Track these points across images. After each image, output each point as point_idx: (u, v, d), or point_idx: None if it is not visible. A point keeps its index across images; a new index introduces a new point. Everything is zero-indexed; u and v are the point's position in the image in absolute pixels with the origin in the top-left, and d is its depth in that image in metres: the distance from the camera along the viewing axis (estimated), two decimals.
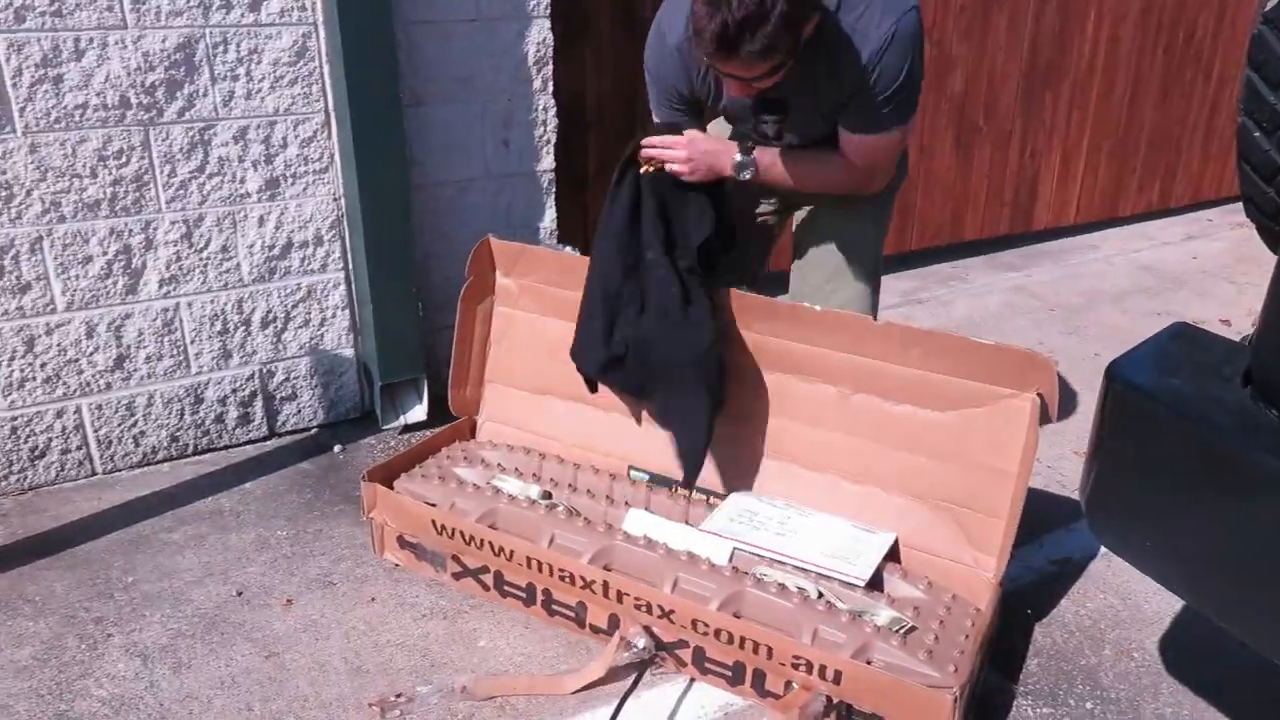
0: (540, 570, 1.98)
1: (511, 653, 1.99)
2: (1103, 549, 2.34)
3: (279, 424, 2.80)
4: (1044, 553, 2.34)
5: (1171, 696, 1.92)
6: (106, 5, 2.27)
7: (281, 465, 2.67)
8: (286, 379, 2.76)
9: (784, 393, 2.17)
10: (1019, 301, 4.05)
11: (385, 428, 2.83)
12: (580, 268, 2.23)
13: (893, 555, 2.06)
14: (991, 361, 1.95)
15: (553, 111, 2.90)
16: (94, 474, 2.58)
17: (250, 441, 2.77)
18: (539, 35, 2.80)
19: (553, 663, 1.97)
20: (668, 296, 2.06)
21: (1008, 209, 4.59)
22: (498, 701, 1.85)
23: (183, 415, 2.64)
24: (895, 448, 2.06)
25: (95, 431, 2.54)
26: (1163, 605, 2.16)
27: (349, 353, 2.83)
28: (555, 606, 2.03)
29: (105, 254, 2.43)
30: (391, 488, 2.21)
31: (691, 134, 2.04)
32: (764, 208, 2.36)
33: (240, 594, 2.15)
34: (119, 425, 2.57)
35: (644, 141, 2.05)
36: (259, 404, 2.74)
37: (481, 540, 2.03)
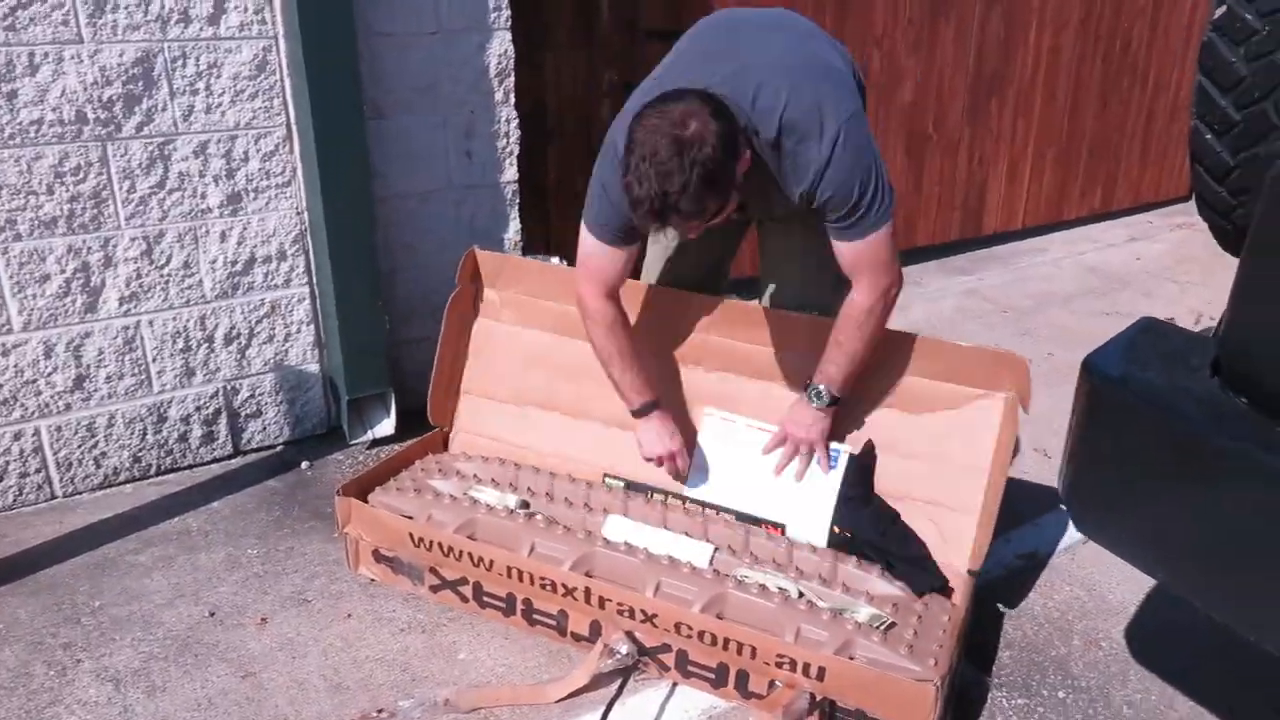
0: (521, 579, 1.98)
1: (493, 664, 1.99)
2: (1066, 543, 2.40)
3: (244, 442, 2.75)
4: (1011, 547, 2.39)
5: (1140, 683, 1.98)
6: (62, 20, 2.23)
7: (249, 483, 2.63)
8: (251, 396, 2.72)
9: (765, 395, 2.20)
10: (971, 305, 4.13)
11: (353, 443, 2.80)
12: (563, 278, 2.23)
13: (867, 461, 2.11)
14: (965, 362, 2.00)
15: (515, 123, 2.90)
16: (54, 497, 2.52)
17: (215, 460, 2.72)
18: (500, 47, 2.80)
19: (534, 673, 1.96)
20: None
21: (958, 214, 4.69)
22: (482, 713, 1.85)
23: (145, 435, 2.59)
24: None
25: (55, 454, 2.48)
26: (1127, 595, 2.23)
27: (314, 368, 2.79)
28: (536, 616, 2.02)
29: (63, 272, 2.38)
30: (366, 502, 2.19)
31: (788, 431, 2.11)
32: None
33: (213, 614, 2.11)
34: (79, 447, 2.51)
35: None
36: (223, 422, 2.70)
37: (460, 551, 2.02)
